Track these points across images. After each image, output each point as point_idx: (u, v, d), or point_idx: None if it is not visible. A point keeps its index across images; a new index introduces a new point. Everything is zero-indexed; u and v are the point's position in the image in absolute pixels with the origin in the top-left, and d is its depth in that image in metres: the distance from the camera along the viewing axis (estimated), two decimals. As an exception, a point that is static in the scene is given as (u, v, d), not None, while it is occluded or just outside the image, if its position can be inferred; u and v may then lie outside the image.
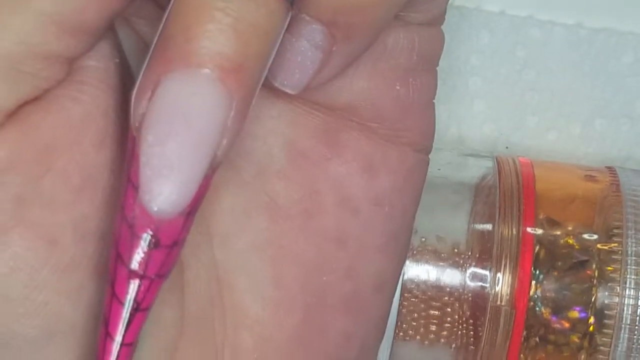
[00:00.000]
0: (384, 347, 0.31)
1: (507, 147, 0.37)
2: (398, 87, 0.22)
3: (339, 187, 0.22)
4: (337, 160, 0.22)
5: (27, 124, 0.20)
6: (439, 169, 0.32)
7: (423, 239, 0.31)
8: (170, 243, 0.19)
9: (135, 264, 0.19)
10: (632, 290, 0.30)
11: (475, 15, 0.37)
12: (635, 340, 0.29)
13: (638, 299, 0.30)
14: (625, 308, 0.29)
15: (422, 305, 0.31)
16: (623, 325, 0.29)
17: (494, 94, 0.37)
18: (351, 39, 0.20)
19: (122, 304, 0.19)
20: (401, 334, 0.31)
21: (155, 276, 0.19)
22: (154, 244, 0.19)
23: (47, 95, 0.20)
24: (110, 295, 0.19)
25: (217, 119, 0.18)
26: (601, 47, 0.37)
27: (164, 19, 0.19)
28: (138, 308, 0.19)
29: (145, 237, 0.19)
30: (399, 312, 0.31)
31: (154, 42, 0.19)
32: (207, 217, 0.22)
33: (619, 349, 0.29)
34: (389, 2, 0.20)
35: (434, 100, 0.23)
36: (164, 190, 0.18)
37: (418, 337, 0.31)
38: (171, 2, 0.19)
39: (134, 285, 0.19)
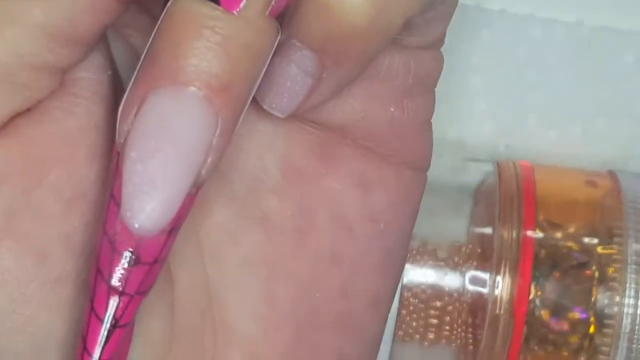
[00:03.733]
0: (384, 347, 0.31)
1: (507, 146, 0.37)
2: (392, 109, 0.22)
3: (333, 203, 0.22)
4: (332, 176, 0.22)
5: (20, 136, 0.19)
6: (439, 175, 0.32)
7: (423, 242, 0.31)
8: (151, 260, 0.19)
9: (115, 281, 0.19)
10: (631, 299, 0.30)
11: (475, 14, 0.37)
12: (634, 349, 0.29)
13: (637, 307, 0.29)
14: (624, 316, 0.29)
15: (422, 306, 0.31)
16: (622, 334, 0.29)
17: (494, 92, 0.37)
18: (341, 67, 0.20)
19: (100, 320, 0.19)
20: (401, 333, 0.31)
21: (135, 293, 0.19)
22: (135, 261, 0.18)
23: (39, 107, 0.20)
24: (89, 310, 0.19)
25: (202, 137, 0.18)
26: (602, 46, 0.37)
27: (152, 35, 0.18)
28: (116, 324, 0.19)
29: (126, 255, 0.18)
30: (399, 314, 0.31)
31: (142, 58, 0.18)
32: (199, 231, 0.22)
33: (618, 357, 0.29)
34: (379, 34, 0.19)
35: (431, 120, 0.23)
36: (145, 207, 0.18)
37: (417, 337, 0.31)
38: (160, 19, 0.18)
39: (113, 302, 0.19)
